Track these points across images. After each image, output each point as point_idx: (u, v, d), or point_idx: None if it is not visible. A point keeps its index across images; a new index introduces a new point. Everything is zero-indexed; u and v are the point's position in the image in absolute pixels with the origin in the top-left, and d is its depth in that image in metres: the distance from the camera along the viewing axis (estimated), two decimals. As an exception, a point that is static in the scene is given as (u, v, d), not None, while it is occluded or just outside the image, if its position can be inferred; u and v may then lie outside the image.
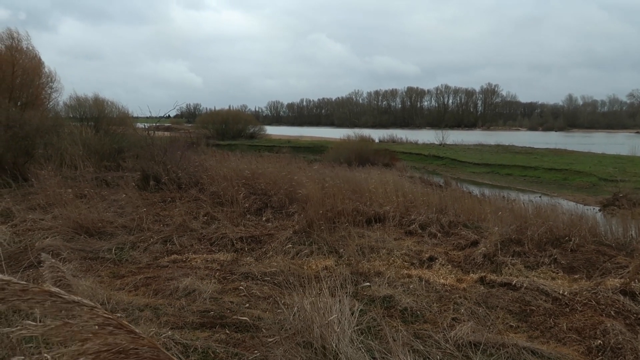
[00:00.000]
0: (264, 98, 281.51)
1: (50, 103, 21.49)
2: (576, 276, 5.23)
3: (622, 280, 4.76)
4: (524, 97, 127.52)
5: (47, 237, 6.22)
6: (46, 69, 21.50)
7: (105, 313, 0.77)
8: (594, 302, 4.34)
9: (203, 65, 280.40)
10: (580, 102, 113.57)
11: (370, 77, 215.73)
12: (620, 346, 3.54)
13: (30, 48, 20.43)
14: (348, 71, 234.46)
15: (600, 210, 13.33)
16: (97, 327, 0.73)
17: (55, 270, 2.07)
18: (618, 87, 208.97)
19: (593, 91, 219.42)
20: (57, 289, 0.74)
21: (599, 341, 3.63)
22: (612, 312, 4.16)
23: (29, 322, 0.74)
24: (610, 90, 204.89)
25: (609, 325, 3.82)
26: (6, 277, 0.71)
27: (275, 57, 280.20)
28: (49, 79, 21.53)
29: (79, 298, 0.74)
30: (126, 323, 0.78)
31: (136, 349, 0.74)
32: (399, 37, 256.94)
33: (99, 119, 18.18)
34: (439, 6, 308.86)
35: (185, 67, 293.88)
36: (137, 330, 0.78)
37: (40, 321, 0.75)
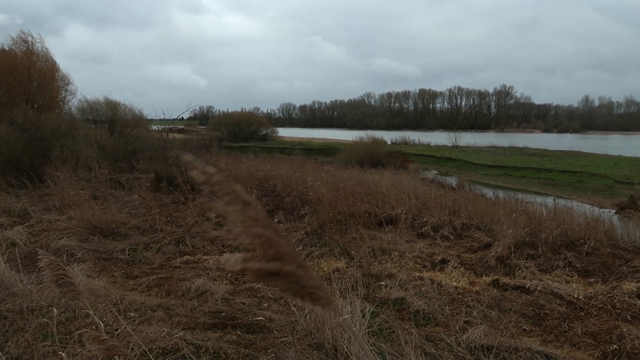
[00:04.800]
0: (269, 100, 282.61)
1: (66, 105, 21.78)
2: (591, 280, 5.15)
3: (639, 284, 4.68)
4: (533, 99, 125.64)
5: (62, 238, 6.32)
6: (61, 72, 21.80)
7: (261, 210, 1.00)
8: (609, 306, 4.27)
9: (207, 68, 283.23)
10: (597, 102, 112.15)
11: (374, 80, 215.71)
12: (636, 351, 3.47)
13: (45, 51, 20.71)
14: (352, 74, 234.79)
15: (616, 213, 13.10)
16: (254, 222, 0.97)
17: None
18: (626, 89, 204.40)
19: (601, 93, 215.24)
20: (240, 187, 1.01)
21: (615, 346, 3.56)
22: (629, 317, 4.09)
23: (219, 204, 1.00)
24: (618, 92, 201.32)
25: (625, 330, 3.75)
26: (212, 170, 0.99)
27: (280, 60, 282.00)
28: (64, 81, 21.82)
29: (250, 197, 1.00)
30: (275, 224, 1.02)
31: (280, 244, 0.99)
32: (400, 39, 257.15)
33: (112, 121, 18.36)
34: (436, 9, 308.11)
35: (190, 70, 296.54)
36: (280, 229, 1.05)
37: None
